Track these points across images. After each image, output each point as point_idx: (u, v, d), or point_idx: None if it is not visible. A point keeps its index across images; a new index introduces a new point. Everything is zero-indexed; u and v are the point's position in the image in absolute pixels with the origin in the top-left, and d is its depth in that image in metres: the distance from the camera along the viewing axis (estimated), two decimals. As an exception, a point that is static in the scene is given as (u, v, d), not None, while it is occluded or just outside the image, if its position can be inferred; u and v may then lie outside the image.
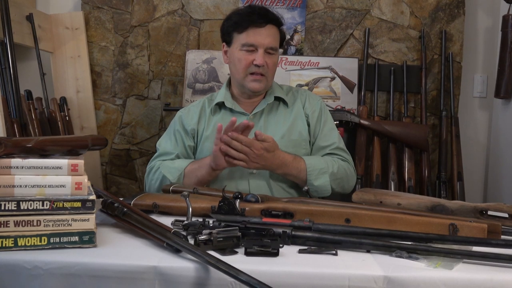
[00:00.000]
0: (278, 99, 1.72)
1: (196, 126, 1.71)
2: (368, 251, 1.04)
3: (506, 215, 1.39)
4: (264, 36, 1.62)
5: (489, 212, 1.40)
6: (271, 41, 1.63)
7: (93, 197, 1.02)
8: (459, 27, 2.73)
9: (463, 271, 0.94)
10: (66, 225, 1.00)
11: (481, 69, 2.80)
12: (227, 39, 1.70)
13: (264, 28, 1.62)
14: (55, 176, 1.01)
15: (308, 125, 1.71)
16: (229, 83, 1.76)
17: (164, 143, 1.74)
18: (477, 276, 0.92)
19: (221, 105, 1.71)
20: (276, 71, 1.73)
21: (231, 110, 1.70)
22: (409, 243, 1.05)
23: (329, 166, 1.62)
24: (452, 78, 2.68)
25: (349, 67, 2.71)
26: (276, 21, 1.66)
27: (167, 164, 1.66)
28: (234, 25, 1.66)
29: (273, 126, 1.69)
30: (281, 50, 2.67)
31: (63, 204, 1.00)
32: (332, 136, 1.73)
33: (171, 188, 1.50)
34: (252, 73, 1.63)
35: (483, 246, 1.05)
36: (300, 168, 1.59)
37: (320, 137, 1.71)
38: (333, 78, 2.70)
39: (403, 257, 1.00)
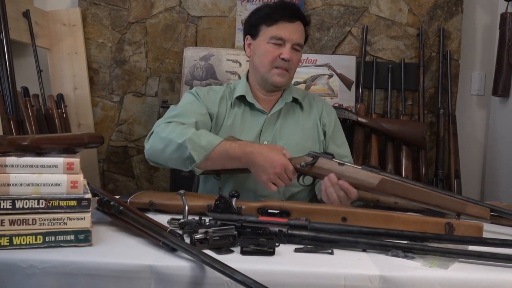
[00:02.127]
0: (295, 100, 1.70)
1: (216, 110, 1.64)
2: (364, 250, 1.04)
3: (502, 213, 1.39)
4: (294, 31, 1.62)
5: (486, 211, 1.41)
6: (298, 37, 1.63)
7: (88, 195, 1.02)
8: (457, 24, 2.73)
9: (458, 270, 0.94)
10: (61, 223, 0.99)
11: (479, 67, 2.80)
12: (253, 31, 1.67)
13: (294, 23, 1.62)
14: (51, 175, 1.01)
15: (324, 134, 1.71)
16: (247, 77, 1.72)
17: (182, 104, 1.62)
18: (473, 276, 0.92)
19: (240, 99, 1.68)
20: None
21: (250, 106, 1.67)
22: (405, 242, 1.05)
23: None
24: (450, 76, 2.68)
25: (347, 64, 2.70)
26: (305, 19, 1.67)
27: (194, 137, 1.42)
28: (264, 16, 1.64)
29: (289, 130, 1.67)
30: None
31: (58, 203, 0.99)
32: (345, 149, 1.74)
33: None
34: (277, 67, 1.61)
35: (479, 245, 1.06)
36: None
37: (333, 149, 1.69)
38: (331, 76, 2.70)
39: (399, 256, 1.00)
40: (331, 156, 1.40)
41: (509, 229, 1.35)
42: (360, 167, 1.35)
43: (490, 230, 1.28)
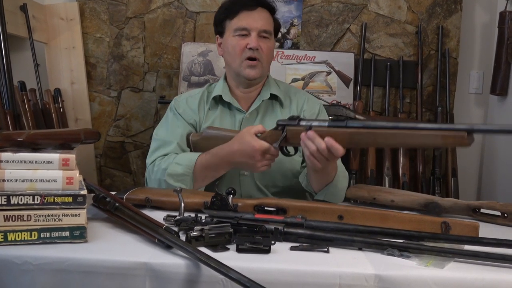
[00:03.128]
0: (273, 97, 1.67)
1: (197, 118, 1.65)
2: (360, 249, 1.04)
3: (498, 213, 1.39)
4: (256, 18, 1.58)
5: (482, 210, 1.41)
6: (263, 24, 1.59)
7: (84, 192, 1.01)
8: (456, 23, 2.72)
9: (454, 270, 0.94)
10: (57, 220, 0.99)
11: (477, 65, 2.80)
12: (220, 29, 1.66)
13: (255, 11, 1.59)
14: (46, 171, 1.00)
15: None
16: (225, 77, 1.71)
17: (161, 132, 1.66)
18: (468, 275, 0.92)
19: (218, 100, 1.67)
20: (272, 65, 1.70)
21: (228, 106, 1.66)
22: (401, 241, 1.05)
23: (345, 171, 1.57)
24: (448, 74, 2.68)
25: (345, 61, 2.70)
26: (267, 5, 1.63)
27: (172, 169, 1.52)
28: (225, 11, 1.63)
29: (268, 127, 1.65)
30: (277, 44, 2.66)
31: (54, 199, 0.99)
32: None
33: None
34: (247, 59, 1.58)
35: (474, 245, 1.05)
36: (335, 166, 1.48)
37: None
38: (329, 73, 2.69)
39: (394, 255, 1.00)
40: (297, 120, 1.34)
41: (505, 228, 1.35)
42: (326, 124, 1.28)
43: (487, 229, 1.28)
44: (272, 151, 1.38)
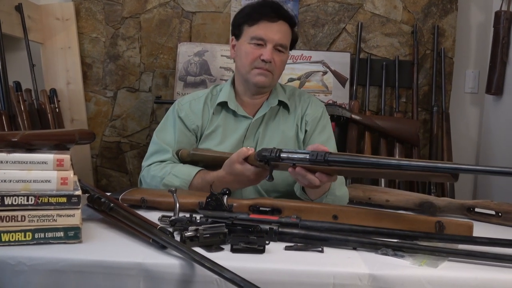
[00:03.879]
0: (280, 102, 1.65)
1: (200, 122, 1.63)
2: (354, 248, 1.04)
3: (493, 212, 1.40)
4: (275, 31, 1.56)
5: (476, 209, 1.42)
6: (281, 37, 1.56)
7: (78, 192, 1.01)
8: (452, 22, 2.73)
9: (447, 269, 0.95)
10: (51, 220, 0.99)
11: (473, 65, 2.81)
12: (236, 32, 1.63)
13: (275, 23, 1.56)
14: (41, 171, 1.00)
15: (305, 132, 1.65)
16: (233, 81, 1.68)
17: (161, 135, 1.65)
18: (462, 274, 0.93)
19: (223, 105, 1.64)
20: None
21: (233, 112, 1.63)
22: (395, 240, 1.06)
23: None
24: (444, 74, 2.69)
25: (341, 61, 2.70)
26: (289, 19, 1.60)
27: (169, 180, 1.52)
28: (245, 16, 1.60)
29: (271, 134, 1.63)
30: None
31: (48, 200, 0.99)
32: (330, 147, 1.64)
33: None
34: (257, 68, 1.56)
35: (468, 244, 1.06)
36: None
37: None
38: (325, 72, 2.70)
39: (388, 255, 1.00)
40: (277, 153, 1.27)
41: (500, 228, 1.36)
42: (308, 158, 1.21)
43: (481, 229, 1.28)
44: (266, 174, 1.34)
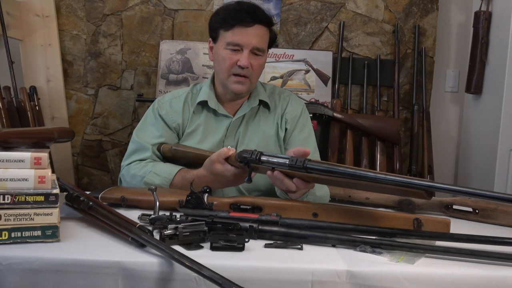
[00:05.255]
0: (261, 102, 1.65)
1: (180, 120, 1.63)
2: (333, 246, 1.05)
3: (470, 209, 1.42)
4: (251, 36, 1.54)
5: (454, 206, 1.44)
6: (258, 41, 1.55)
7: (56, 191, 1.00)
8: (433, 22, 2.76)
9: (424, 265, 0.96)
10: (28, 219, 0.98)
11: (453, 64, 2.85)
12: (213, 35, 1.62)
13: (251, 28, 1.54)
14: (18, 170, 0.99)
15: (286, 130, 1.65)
16: (213, 80, 1.67)
17: (140, 134, 1.63)
18: (438, 271, 0.94)
19: (203, 104, 1.64)
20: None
21: (214, 111, 1.63)
22: (374, 237, 1.07)
23: None
24: (425, 73, 2.72)
25: (323, 60, 2.71)
26: (266, 21, 1.58)
27: (149, 179, 1.51)
28: (221, 21, 1.58)
29: (251, 133, 1.63)
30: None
31: (25, 198, 0.98)
32: (309, 145, 1.64)
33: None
34: (235, 74, 1.55)
35: (445, 241, 1.08)
36: None
37: (294, 144, 1.62)
38: (307, 71, 2.71)
39: (367, 252, 1.01)
40: (257, 155, 1.28)
41: (477, 224, 1.38)
42: (287, 163, 1.22)
43: (458, 225, 1.30)
44: (245, 175, 1.33)
